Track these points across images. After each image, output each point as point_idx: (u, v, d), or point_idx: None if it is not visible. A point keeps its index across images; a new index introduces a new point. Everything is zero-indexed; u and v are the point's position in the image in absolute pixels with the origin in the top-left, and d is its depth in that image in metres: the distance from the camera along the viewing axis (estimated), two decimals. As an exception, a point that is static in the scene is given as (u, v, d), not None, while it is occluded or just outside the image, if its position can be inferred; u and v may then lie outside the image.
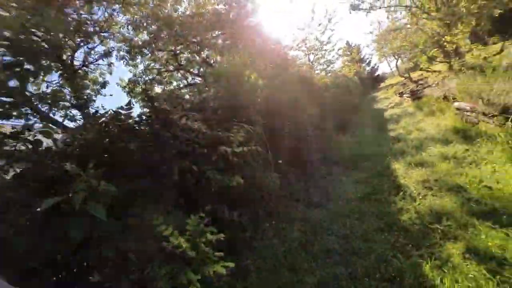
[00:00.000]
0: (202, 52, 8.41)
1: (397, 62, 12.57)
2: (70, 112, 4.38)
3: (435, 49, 7.42)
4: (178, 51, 8.46)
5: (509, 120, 3.23)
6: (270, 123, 4.18)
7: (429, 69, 8.29)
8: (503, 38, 6.56)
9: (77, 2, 5.10)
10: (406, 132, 6.48)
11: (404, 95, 11.91)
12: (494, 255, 2.17)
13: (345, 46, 24.61)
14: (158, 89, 8.61)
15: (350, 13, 8.55)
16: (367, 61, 34.51)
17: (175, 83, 10.17)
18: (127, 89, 8.09)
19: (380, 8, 7.94)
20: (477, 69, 4.98)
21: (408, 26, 8.84)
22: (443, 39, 6.78)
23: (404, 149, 5.25)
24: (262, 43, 8.11)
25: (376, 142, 6.63)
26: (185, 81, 10.11)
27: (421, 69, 8.25)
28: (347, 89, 13.32)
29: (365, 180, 4.42)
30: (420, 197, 3.36)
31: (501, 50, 6.33)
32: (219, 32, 8.11)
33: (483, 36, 7.92)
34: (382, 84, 32.61)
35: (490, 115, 4.01)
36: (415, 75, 17.14)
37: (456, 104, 5.46)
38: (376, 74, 36.89)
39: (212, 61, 8.31)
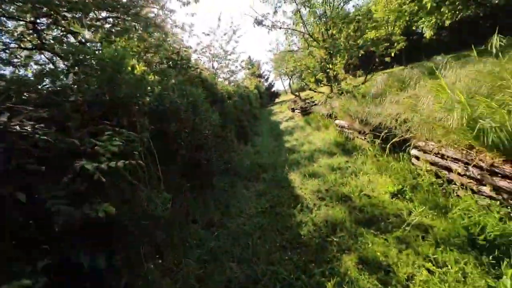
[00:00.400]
0: (79, 34, 6.40)
1: (290, 81, 14.14)
2: None
3: (321, 74, 8.70)
4: (41, 25, 6.10)
5: (380, 138, 3.81)
6: (161, 128, 3.39)
7: (316, 90, 9.60)
8: (365, 72, 8.42)
9: None
10: (299, 144, 7.08)
11: (296, 111, 13.52)
12: (381, 263, 2.30)
13: (248, 59, 26.17)
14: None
15: (254, 27, 8.84)
16: (266, 77, 38.07)
17: (35, 67, 7.36)
18: None
19: (280, 28, 8.65)
20: (351, 94, 6.02)
21: (301, 50, 10.07)
22: (327, 65, 8.04)
23: (298, 160, 5.60)
24: (161, 38, 7.05)
25: (275, 152, 6.92)
26: (52, 66, 7.49)
27: (310, 89, 9.40)
28: (248, 100, 13.88)
29: (266, 192, 4.32)
30: (316, 208, 3.46)
31: (365, 81, 8.14)
32: (108, 15, 6.47)
33: (353, 68, 10.22)
34: (277, 100, 36.95)
35: (363, 133, 4.74)
36: (303, 94, 20.15)
37: (337, 121, 6.38)
38: (273, 89, 41.29)
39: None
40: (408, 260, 2.26)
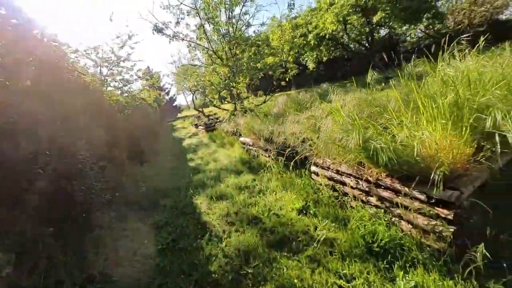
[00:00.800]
0: None
1: (193, 96, 13.68)
2: None
3: (225, 91, 8.75)
4: None
5: (284, 156, 3.93)
6: (5, 149, 2.24)
7: (219, 107, 9.54)
8: (265, 93, 9.09)
9: None
10: (204, 163, 6.64)
11: (199, 127, 13.07)
12: (297, 290, 2.16)
13: (147, 69, 23.77)
14: None
15: (154, 34, 8.00)
16: (167, 90, 35.87)
17: None
18: None
19: (182, 40, 8.18)
20: (254, 113, 6.23)
21: (205, 66, 9.89)
22: (231, 83, 8.17)
23: (204, 180, 5.15)
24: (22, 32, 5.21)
25: (177, 173, 6.19)
26: None
27: (214, 106, 9.26)
28: (146, 113, 12.35)
29: (167, 222, 3.62)
30: (226, 236, 3.10)
31: (265, 100, 8.75)
32: None
33: (254, 88, 10.95)
34: (180, 115, 35.23)
35: (267, 150, 4.85)
36: (207, 110, 19.96)
37: (242, 139, 6.40)
38: (175, 104, 39.27)
39: None
40: (321, 279, 2.23)
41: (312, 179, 3.74)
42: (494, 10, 17.25)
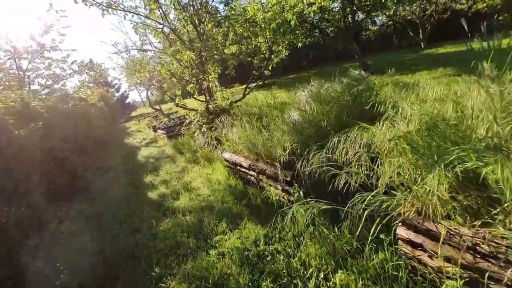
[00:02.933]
0: None
1: (147, 92, 10.99)
2: None
3: (192, 84, 6.50)
4: None
5: (300, 188, 2.08)
6: None
7: (184, 106, 7.25)
8: (247, 86, 7.05)
9: None
10: (171, 193, 4.46)
11: (159, 131, 10.50)
12: None
13: (89, 63, 19.50)
14: None
15: (76, 2, 5.35)
16: (117, 86, 31.23)
17: None
18: None
19: (124, 11, 5.61)
20: (255, 123, 4.15)
21: (161, 52, 7.41)
22: (200, 74, 5.97)
23: (178, 238, 3.07)
24: None
25: (129, 218, 3.93)
26: None
27: (177, 105, 6.96)
28: (88, 117, 9.40)
29: None
30: None
31: (244, 95, 6.74)
32: None
33: (230, 81, 8.88)
34: (134, 113, 30.90)
35: (278, 180, 2.96)
36: (165, 107, 17.02)
37: (226, 155, 4.36)
38: (127, 101, 34.66)
39: None
40: None
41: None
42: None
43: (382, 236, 2.03)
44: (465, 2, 17.47)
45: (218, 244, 2.78)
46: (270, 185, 3.23)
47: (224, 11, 5.87)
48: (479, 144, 1.59)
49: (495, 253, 1.44)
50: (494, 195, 1.43)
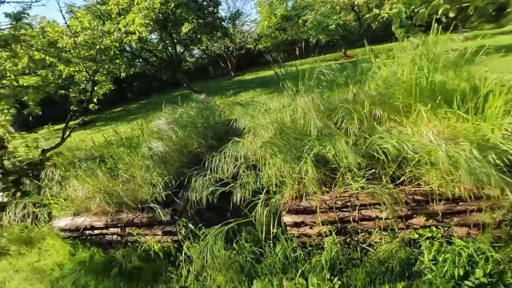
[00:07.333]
0: None
1: None
2: None
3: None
4: None
5: (189, 221, 2.07)
6: None
7: None
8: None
9: None
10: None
11: None
12: None
13: None
14: None
15: None
16: None
17: None
18: None
19: None
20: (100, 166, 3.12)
21: None
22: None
23: None
24: None
25: None
26: None
27: None
28: None
29: None
30: None
31: (63, 139, 4.96)
32: None
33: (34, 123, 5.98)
34: None
35: (155, 223, 2.58)
36: None
37: (63, 222, 3.13)
38: None
39: None
40: None
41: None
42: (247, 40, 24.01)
43: (274, 230, 2.28)
44: (251, 43, 24.52)
45: None
46: (146, 235, 2.68)
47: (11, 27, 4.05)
48: (314, 136, 2.24)
49: (345, 203, 2.05)
50: (333, 166, 2.08)
